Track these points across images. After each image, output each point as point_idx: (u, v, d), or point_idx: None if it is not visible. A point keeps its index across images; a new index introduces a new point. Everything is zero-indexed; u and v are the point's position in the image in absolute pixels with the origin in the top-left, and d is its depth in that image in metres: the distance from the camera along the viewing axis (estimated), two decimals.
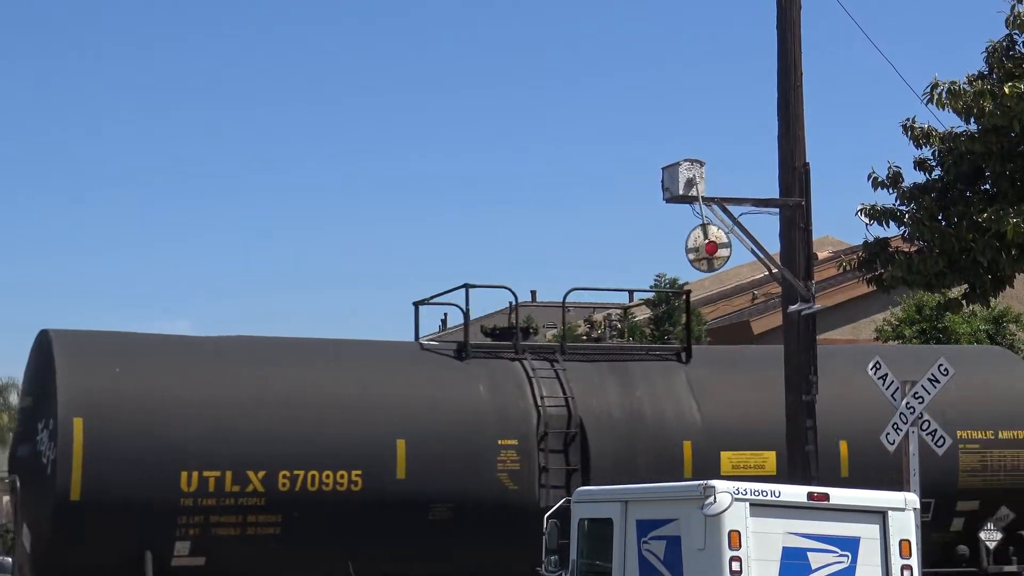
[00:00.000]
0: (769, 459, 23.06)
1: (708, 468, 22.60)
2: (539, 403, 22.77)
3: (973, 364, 25.44)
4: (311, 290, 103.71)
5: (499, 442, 22.46)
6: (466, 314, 23.55)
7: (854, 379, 23.01)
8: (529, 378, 23.05)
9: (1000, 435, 24.57)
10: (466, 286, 23.49)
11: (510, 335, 23.98)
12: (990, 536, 24.00)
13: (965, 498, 24.23)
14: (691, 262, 20.33)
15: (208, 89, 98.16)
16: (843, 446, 23.62)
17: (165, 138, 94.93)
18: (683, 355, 24.30)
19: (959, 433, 23.64)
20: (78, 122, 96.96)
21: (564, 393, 22.93)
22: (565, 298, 24.42)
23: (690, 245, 20.19)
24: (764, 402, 22.87)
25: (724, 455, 23.12)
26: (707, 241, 20.09)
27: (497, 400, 22.76)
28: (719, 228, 20.14)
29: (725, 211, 20.26)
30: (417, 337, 24.66)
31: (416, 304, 24.61)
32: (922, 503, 22.38)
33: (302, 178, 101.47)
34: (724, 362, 24.80)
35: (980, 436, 24.45)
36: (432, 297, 24.65)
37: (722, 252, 20.18)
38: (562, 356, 23.57)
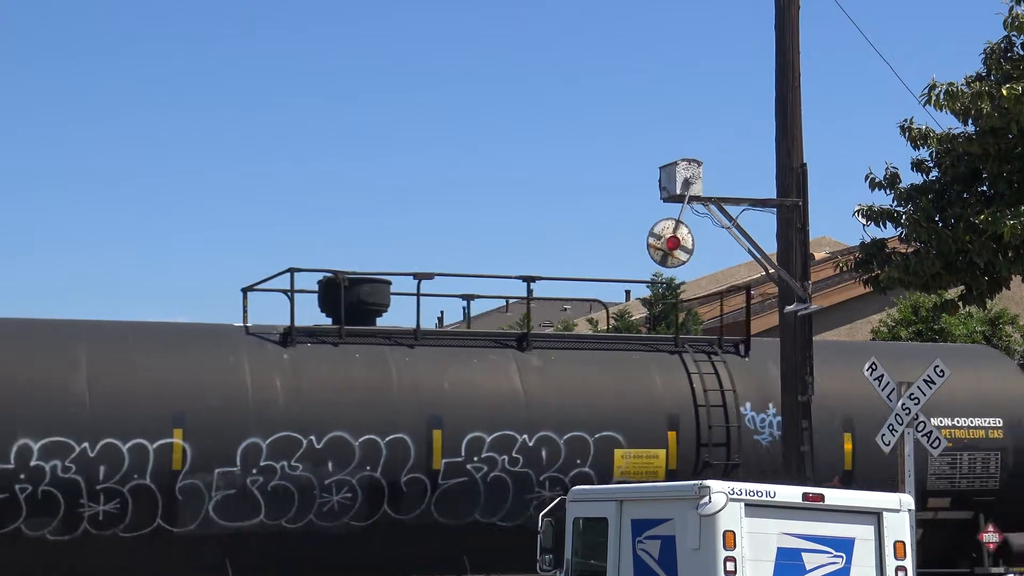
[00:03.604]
0: None
1: None
2: None
3: None
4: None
5: None
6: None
7: None
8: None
9: None
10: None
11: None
12: None
13: None
14: (648, 245, 20.05)
15: (207, 87, 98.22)
16: None
17: (159, 135, 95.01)
18: None
19: None
20: (77, 120, 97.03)
21: None
22: None
23: (656, 231, 19.97)
24: None
25: None
26: (671, 236, 19.92)
27: None
28: (689, 234, 19.98)
29: (722, 211, 20.23)
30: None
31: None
32: None
33: (301, 176, 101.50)
34: None
35: None
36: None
37: (680, 255, 19.95)
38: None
